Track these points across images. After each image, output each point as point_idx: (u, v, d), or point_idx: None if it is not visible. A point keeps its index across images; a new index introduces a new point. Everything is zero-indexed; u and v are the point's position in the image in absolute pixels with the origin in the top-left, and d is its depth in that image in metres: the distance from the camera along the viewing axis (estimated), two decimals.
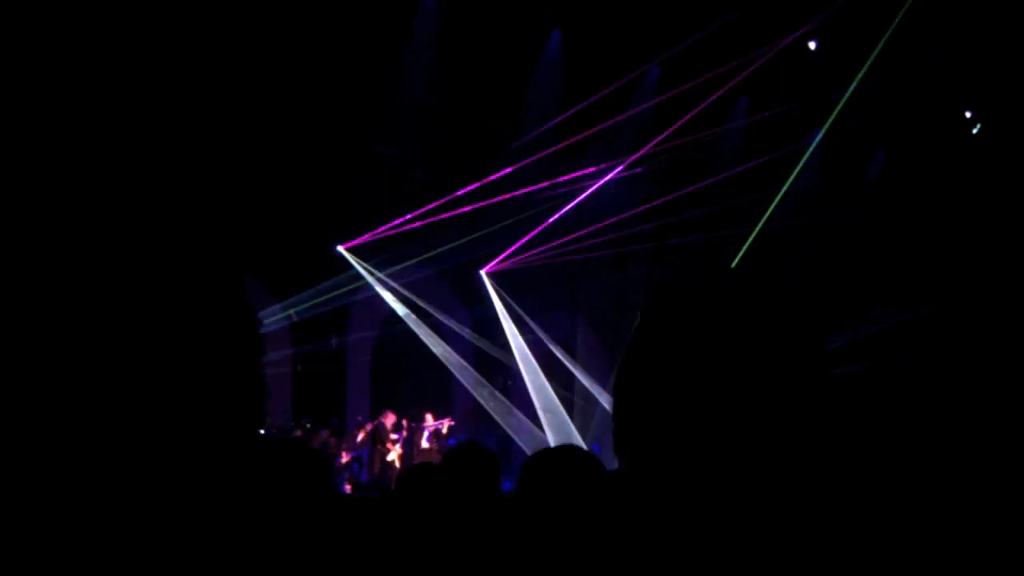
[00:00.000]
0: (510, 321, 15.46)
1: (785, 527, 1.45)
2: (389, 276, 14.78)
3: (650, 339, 1.54)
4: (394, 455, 14.23)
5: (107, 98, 9.11)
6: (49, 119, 8.05)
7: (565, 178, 14.07)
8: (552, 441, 14.73)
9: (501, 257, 14.95)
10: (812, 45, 13.67)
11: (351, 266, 14.69)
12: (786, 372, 1.47)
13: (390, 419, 14.40)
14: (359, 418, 14.95)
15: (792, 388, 1.47)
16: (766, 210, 14.04)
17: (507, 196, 13.98)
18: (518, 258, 14.81)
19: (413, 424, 14.77)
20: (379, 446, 14.33)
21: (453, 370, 15.74)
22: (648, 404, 1.50)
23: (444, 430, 15.09)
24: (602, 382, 15.44)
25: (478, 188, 13.84)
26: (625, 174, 14.14)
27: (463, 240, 14.28)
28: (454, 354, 15.66)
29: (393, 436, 14.42)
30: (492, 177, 13.79)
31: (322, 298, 14.73)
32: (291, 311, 13.41)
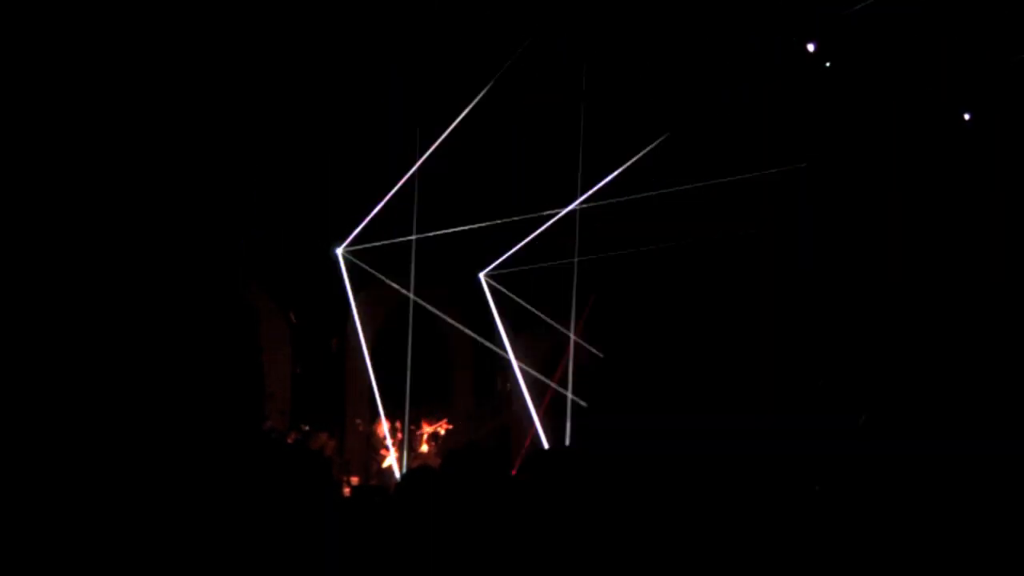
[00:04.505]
0: (509, 324, 15.45)
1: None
2: (388, 277, 14.77)
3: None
4: (391, 461, 14.25)
5: (107, 97, 9.11)
6: (49, 118, 8.05)
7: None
8: (548, 444, 14.73)
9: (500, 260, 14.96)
10: (811, 47, 13.58)
11: (350, 268, 14.69)
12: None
13: (381, 427, 14.45)
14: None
15: None
16: None
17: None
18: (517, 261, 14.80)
19: (412, 426, 14.76)
20: (373, 453, 14.39)
21: (453, 372, 15.72)
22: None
23: (442, 432, 15.09)
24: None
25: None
26: None
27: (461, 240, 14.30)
28: (454, 356, 15.66)
29: (388, 442, 14.45)
30: None
31: None
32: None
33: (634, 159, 13.55)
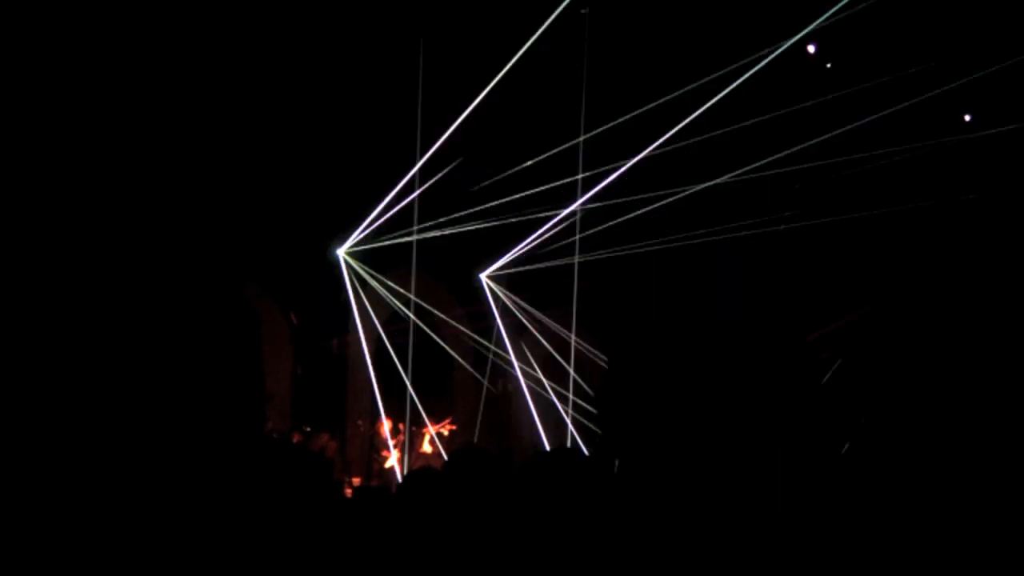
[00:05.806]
0: (510, 323, 15.45)
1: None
2: (389, 278, 14.78)
3: (626, 360, 1.58)
4: (392, 461, 14.28)
5: (109, 98, 9.12)
6: (50, 120, 8.06)
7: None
8: (549, 445, 14.73)
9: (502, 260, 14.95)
10: (811, 49, 13.54)
11: (352, 269, 14.70)
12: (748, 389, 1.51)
13: (384, 427, 14.47)
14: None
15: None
16: None
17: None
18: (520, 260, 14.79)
19: (413, 427, 14.78)
20: (375, 454, 14.42)
21: (454, 373, 15.73)
22: (627, 412, 1.54)
23: (445, 432, 15.10)
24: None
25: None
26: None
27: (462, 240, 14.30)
28: (455, 357, 15.66)
29: (390, 443, 14.48)
30: None
31: None
32: None
33: None
